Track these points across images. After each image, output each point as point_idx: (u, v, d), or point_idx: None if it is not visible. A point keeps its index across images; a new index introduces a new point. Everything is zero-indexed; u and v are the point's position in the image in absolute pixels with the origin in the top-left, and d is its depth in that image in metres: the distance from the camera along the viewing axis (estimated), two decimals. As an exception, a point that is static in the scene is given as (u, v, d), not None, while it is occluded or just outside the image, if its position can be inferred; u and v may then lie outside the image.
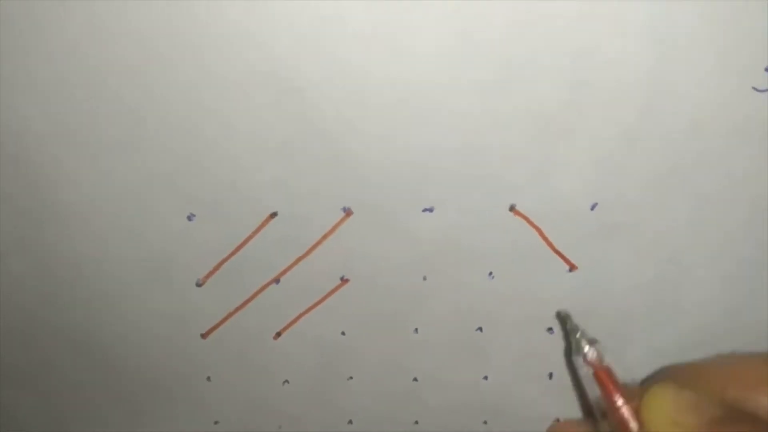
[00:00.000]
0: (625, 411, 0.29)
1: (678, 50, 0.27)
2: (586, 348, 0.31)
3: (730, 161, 0.31)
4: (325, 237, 0.32)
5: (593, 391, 0.31)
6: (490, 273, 0.34)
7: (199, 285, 0.35)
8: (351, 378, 0.38)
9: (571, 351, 0.32)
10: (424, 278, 0.34)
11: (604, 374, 0.30)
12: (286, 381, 0.38)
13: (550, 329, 0.36)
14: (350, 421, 0.40)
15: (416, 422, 0.41)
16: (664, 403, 0.28)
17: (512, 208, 0.31)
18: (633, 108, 0.29)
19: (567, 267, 0.34)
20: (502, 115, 0.29)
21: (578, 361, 0.31)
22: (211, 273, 0.34)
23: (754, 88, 0.28)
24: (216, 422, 0.40)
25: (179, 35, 0.27)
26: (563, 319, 0.33)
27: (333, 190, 0.31)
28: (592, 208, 0.32)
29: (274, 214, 0.32)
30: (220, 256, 0.34)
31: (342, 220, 0.32)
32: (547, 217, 0.32)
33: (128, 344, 0.37)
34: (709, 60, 0.28)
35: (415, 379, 0.39)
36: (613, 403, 0.29)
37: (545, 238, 0.33)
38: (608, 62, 0.28)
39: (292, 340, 0.37)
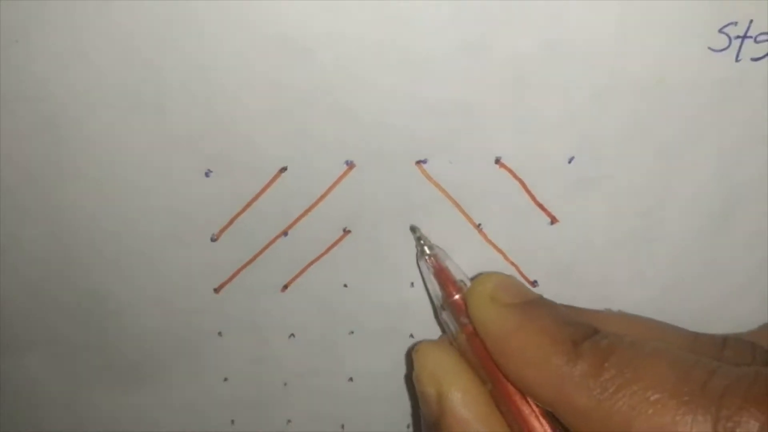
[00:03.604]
0: (458, 299, 0.34)
1: (642, 12, 0.31)
2: (428, 251, 0.36)
3: (695, 116, 0.34)
4: (330, 189, 0.36)
5: (435, 290, 0.36)
6: (479, 224, 0.37)
7: (213, 240, 0.38)
8: (352, 333, 0.41)
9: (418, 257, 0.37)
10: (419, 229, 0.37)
11: (441, 273, 0.35)
12: (292, 335, 0.41)
13: (534, 282, 0.39)
14: (351, 379, 0.43)
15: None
16: (486, 284, 0.32)
17: (498, 161, 0.35)
18: (603, 67, 0.32)
19: (548, 220, 0.37)
20: (485, 73, 0.32)
21: (422, 264, 0.37)
22: (225, 227, 0.37)
23: (710, 48, 0.32)
24: (225, 379, 0.43)
25: (196, 2, 0.31)
26: (413, 229, 0.37)
27: (337, 144, 0.35)
28: (570, 162, 0.35)
29: (284, 169, 0.35)
30: (234, 211, 0.37)
31: (345, 173, 0.35)
32: (529, 170, 0.35)
33: (143, 301, 0.40)
34: (671, 23, 0.32)
35: (411, 336, 0.41)
36: (450, 295, 0.34)
37: (528, 191, 0.36)
38: (579, 24, 0.31)
39: (299, 293, 0.39)
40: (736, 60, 0.32)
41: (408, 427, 0.45)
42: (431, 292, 0.37)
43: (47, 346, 0.42)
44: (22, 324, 0.41)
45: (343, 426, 0.45)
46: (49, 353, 0.42)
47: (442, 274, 0.35)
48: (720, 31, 0.32)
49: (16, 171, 0.35)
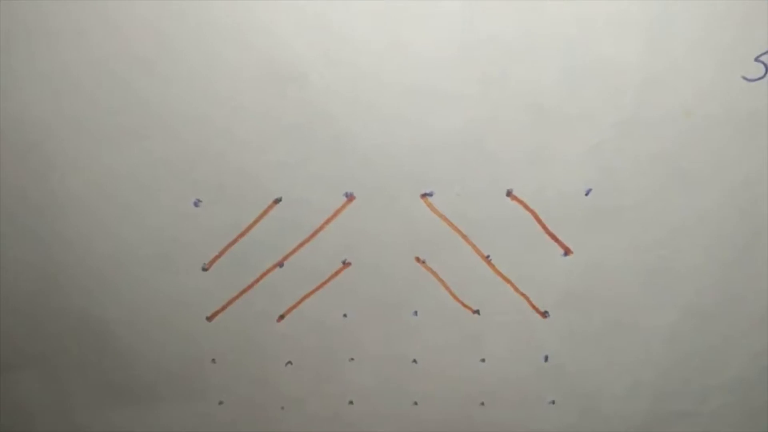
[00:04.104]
0: None
1: (671, 41, 0.28)
2: None
3: (723, 148, 0.32)
4: (327, 221, 0.33)
5: None
6: (488, 256, 0.35)
7: (204, 269, 0.36)
8: (352, 359, 0.39)
9: None
10: (424, 262, 0.35)
11: None
12: (289, 362, 0.39)
13: (545, 312, 0.37)
14: (351, 402, 0.42)
15: (415, 403, 0.42)
16: None
17: (509, 193, 0.32)
18: (628, 96, 0.30)
19: (562, 251, 0.35)
20: (500, 102, 0.30)
21: None
22: (216, 257, 0.35)
23: (744, 78, 0.29)
24: (220, 402, 0.41)
25: (186, 25, 0.28)
26: None
27: (336, 175, 0.32)
28: (587, 194, 0.33)
29: (278, 200, 0.33)
30: (226, 241, 0.35)
31: (344, 205, 0.33)
32: (542, 202, 0.33)
33: (135, 328, 0.38)
34: (702, 50, 0.29)
35: (414, 361, 0.40)
36: None
37: (541, 223, 0.34)
38: (603, 53, 0.29)
39: (295, 323, 0.38)
40: (774, 89, 0.30)
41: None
42: None
43: (44, 364, 0.40)
44: (19, 343, 0.39)
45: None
46: (46, 372, 0.40)
47: None
48: (756, 59, 0.29)
49: (10, 194, 0.33)
